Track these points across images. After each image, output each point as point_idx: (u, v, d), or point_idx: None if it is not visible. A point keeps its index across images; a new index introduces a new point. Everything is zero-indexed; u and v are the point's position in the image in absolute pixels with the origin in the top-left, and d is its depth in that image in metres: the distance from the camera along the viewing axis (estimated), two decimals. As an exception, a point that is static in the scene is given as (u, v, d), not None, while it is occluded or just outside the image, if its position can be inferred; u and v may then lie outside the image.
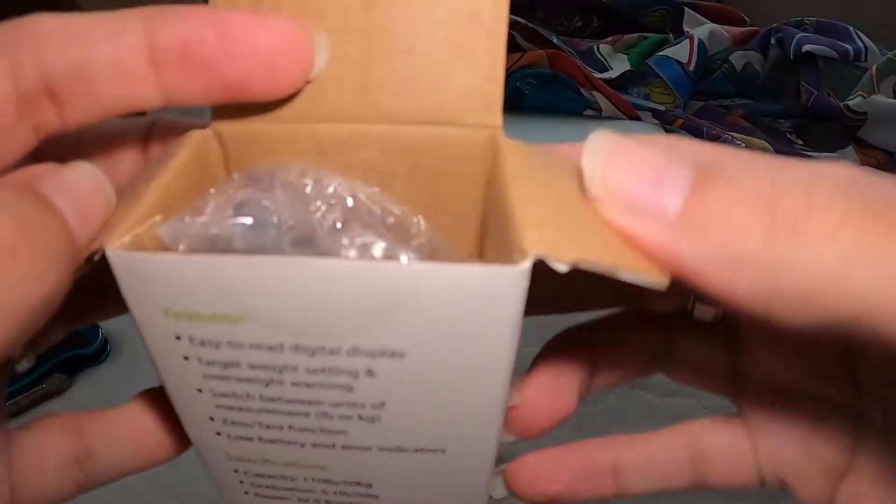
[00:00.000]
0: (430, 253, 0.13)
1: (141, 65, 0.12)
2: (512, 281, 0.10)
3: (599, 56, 0.76)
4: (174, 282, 0.11)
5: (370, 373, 0.12)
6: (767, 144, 0.64)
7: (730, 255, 0.10)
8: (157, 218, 0.12)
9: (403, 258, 0.11)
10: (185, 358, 0.12)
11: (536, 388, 0.16)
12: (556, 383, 0.16)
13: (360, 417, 0.12)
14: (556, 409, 0.16)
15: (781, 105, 0.74)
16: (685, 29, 0.80)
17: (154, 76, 0.12)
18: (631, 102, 0.67)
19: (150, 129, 0.16)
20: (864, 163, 0.65)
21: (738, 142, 0.62)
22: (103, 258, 0.11)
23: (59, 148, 0.14)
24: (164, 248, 0.12)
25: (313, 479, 0.14)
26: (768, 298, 0.10)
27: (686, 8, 0.83)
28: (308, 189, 0.13)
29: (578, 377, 0.16)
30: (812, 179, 0.10)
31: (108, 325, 0.46)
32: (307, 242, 0.12)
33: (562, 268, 0.10)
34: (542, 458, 0.17)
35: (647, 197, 0.11)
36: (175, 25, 0.12)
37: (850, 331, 0.10)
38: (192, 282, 0.11)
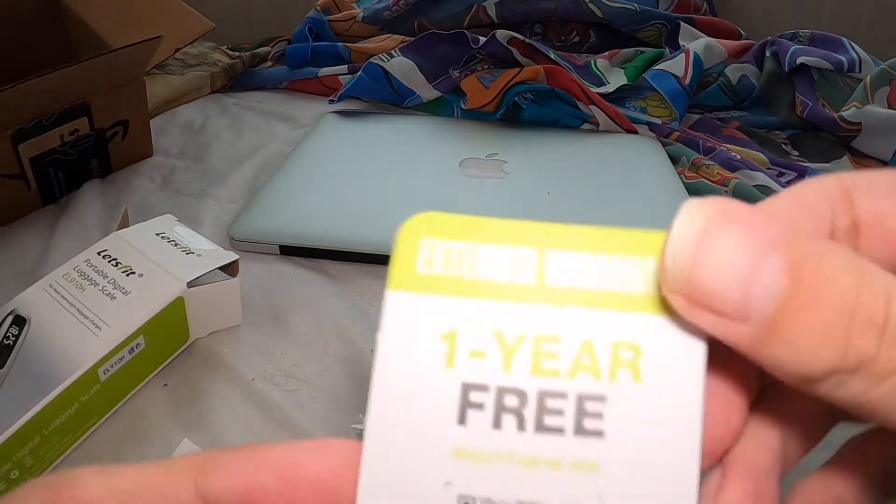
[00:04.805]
0: None
1: None
2: None
3: (596, 71, 0.77)
4: None
5: None
6: (763, 156, 0.65)
7: (812, 371, 0.11)
8: None
9: None
10: None
11: None
12: None
13: None
14: None
15: (777, 117, 0.75)
16: (681, 43, 0.81)
17: None
18: (628, 116, 0.68)
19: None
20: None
21: (734, 154, 0.63)
22: None
23: None
24: None
25: None
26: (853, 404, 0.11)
27: (681, 22, 0.84)
28: None
29: None
30: (890, 295, 0.11)
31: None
32: None
33: None
34: None
35: (735, 305, 0.11)
36: (229, 475, 0.12)
37: None
38: None
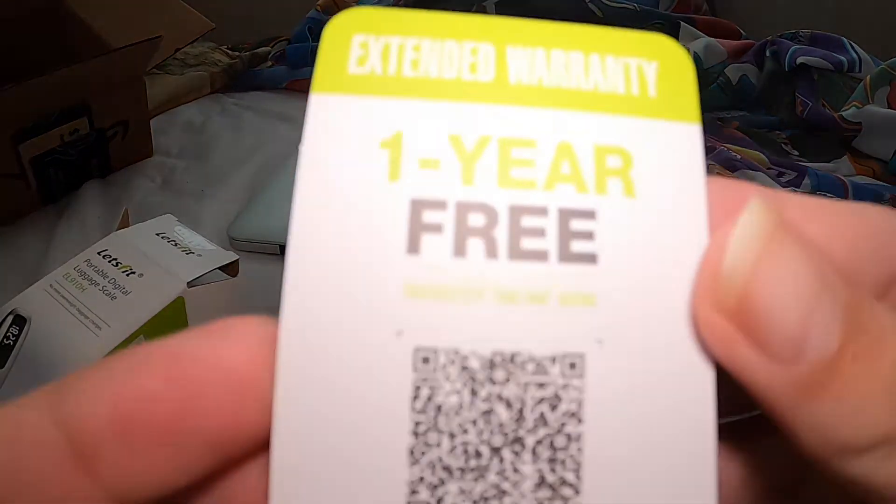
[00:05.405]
0: None
1: (64, 470, 0.08)
2: None
3: (596, 71, 0.77)
4: None
5: None
6: (763, 156, 0.65)
7: (860, 438, 0.09)
8: None
9: None
10: None
11: None
12: None
13: None
14: None
15: (777, 116, 0.75)
16: (681, 43, 0.81)
17: (86, 476, 0.08)
18: (627, 116, 0.68)
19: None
20: (859, 172, 0.66)
21: (734, 153, 0.63)
22: None
23: None
24: None
25: None
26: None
27: (682, 22, 0.84)
28: None
29: None
30: None
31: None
32: None
33: None
34: None
35: (790, 338, 0.09)
36: (95, 390, 0.08)
37: None
38: None
